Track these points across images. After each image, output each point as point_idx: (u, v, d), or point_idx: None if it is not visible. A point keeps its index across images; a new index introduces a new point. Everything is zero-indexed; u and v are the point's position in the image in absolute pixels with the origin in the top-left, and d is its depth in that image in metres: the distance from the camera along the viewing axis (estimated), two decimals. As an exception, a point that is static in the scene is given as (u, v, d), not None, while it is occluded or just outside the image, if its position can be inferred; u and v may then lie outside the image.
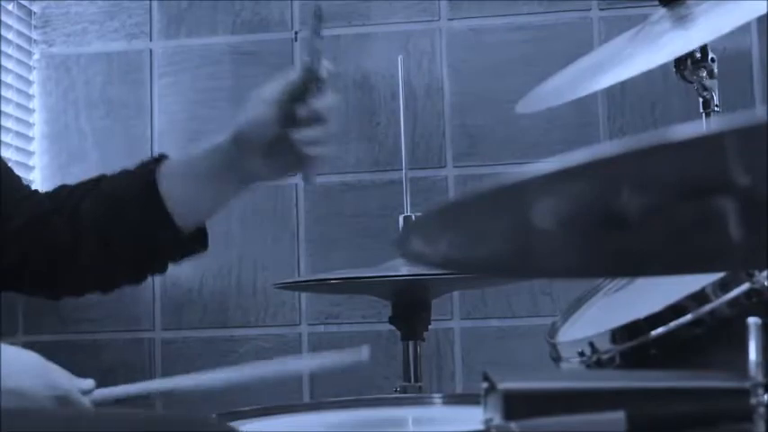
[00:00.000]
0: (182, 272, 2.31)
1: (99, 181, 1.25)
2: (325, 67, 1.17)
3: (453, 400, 1.30)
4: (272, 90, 1.16)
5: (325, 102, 1.16)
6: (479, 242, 0.71)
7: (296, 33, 2.36)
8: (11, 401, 0.95)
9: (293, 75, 1.17)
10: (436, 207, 0.59)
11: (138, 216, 1.19)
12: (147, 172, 1.21)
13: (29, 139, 2.37)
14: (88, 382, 1.04)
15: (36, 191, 1.29)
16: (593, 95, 2.24)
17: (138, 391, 1.08)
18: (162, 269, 1.28)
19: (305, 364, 1.18)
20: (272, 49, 2.36)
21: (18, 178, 1.28)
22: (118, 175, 1.26)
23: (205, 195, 1.22)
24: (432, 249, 0.69)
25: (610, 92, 2.23)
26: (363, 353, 1.10)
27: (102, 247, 1.20)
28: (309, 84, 1.16)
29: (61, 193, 1.26)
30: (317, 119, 1.15)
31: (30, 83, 2.40)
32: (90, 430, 0.90)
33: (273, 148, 1.17)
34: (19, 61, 2.36)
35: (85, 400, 1.03)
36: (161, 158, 1.23)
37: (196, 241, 1.25)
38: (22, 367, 1.00)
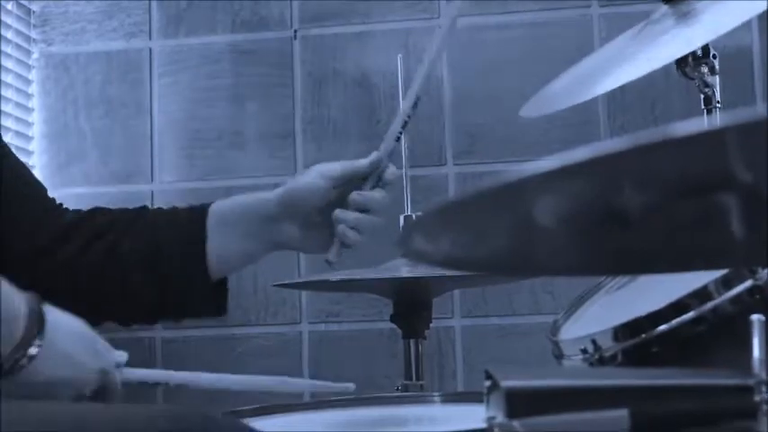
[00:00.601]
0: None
1: (137, 219, 1.22)
2: (392, 171, 1.20)
3: (455, 398, 1.29)
4: (335, 167, 1.18)
5: (379, 196, 1.18)
6: (481, 241, 0.71)
7: (295, 32, 2.35)
8: (58, 366, 0.95)
9: (362, 163, 1.18)
10: (437, 206, 0.59)
11: (178, 265, 1.18)
12: (196, 220, 1.19)
13: (28, 138, 2.37)
14: (122, 354, 1.05)
15: (60, 205, 1.26)
16: (594, 93, 2.24)
17: (161, 378, 1.09)
18: (177, 318, 1.28)
19: (299, 384, 1.20)
20: (272, 48, 2.36)
21: (45, 190, 1.26)
22: (164, 213, 1.23)
23: (239, 251, 1.21)
24: (433, 248, 0.69)
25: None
26: (349, 388, 1.16)
27: (126, 289, 1.18)
28: (372, 175, 1.19)
29: (95, 217, 1.22)
30: (365, 209, 1.17)
31: (29, 82, 2.39)
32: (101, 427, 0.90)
33: (314, 220, 1.18)
34: (18, 60, 2.36)
35: (118, 377, 1.03)
36: (208, 206, 1.21)
37: (218, 299, 1.24)
38: (71, 333, 0.99)
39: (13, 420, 0.86)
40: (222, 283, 1.24)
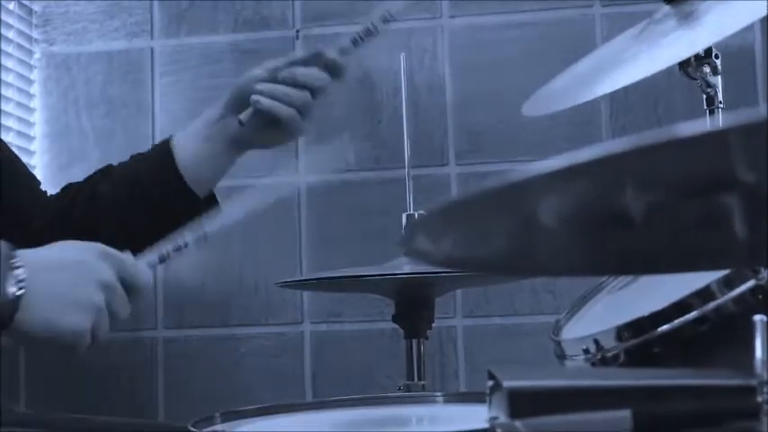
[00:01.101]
0: (184, 271, 2.31)
1: (108, 169, 1.32)
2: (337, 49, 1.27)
3: (457, 398, 1.29)
4: (274, 60, 1.27)
5: (313, 72, 1.25)
6: (483, 240, 0.71)
7: (297, 32, 2.35)
8: (52, 305, 0.95)
9: (298, 53, 1.26)
10: (440, 205, 0.59)
11: (157, 189, 1.27)
12: (162, 147, 1.28)
13: (30, 138, 2.37)
14: (126, 255, 1.06)
15: (45, 192, 1.33)
16: (596, 92, 2.23)
17: (175, 245, 1.12)
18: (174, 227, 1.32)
19: None
20: (274, 47, 2.36)
21: (37, 181, 1.32)
22: (129, 159, 1.33)
23: (211, 161, 1.30)
24: (436, 248, 0.69)
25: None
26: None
27: (122, 225, 1.23)
28: (309, 62, 1.23)
29: (70, 189, 1.30)
30: (295, 84, 1.24)
31: (30, 82, 2.39)
32: None
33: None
34: (20, 60, 2.36)
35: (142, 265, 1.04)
36: (169, 138, 1.31)
37: (209, 204, 1.31)
38: (60, 266, 1.00)
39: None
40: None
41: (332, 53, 1.24)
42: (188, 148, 1.28)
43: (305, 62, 1.24)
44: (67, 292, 0.95)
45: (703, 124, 0.46)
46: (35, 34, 2.41)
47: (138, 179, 1.28)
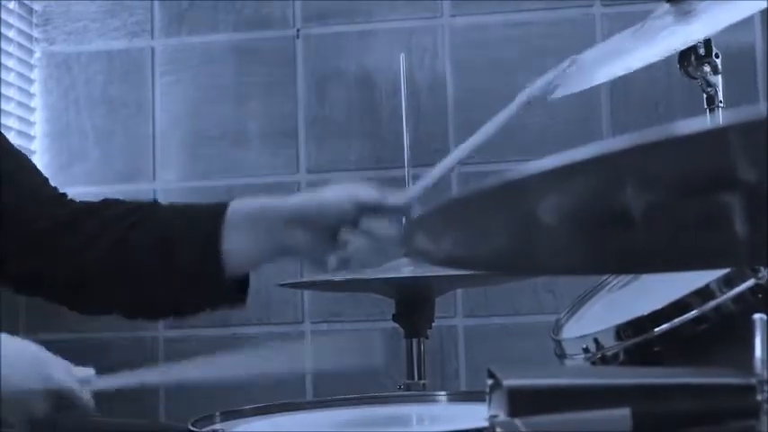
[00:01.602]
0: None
1: (155, 209, 1.22)
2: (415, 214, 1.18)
3: (457, 397, 1.29)
4: (366, 195, 1.16)
5: (393, 232, 1.16)
6: (483, 239, 0.71)
7: (297, 31, 2.35)
8: (7, 394, 0.95)
9: (393, 202, 1.16)
10: (439, 204, 0.59)
11: (194, 259, 1.16)
12: (213, 216, 1.17)
13: (30, 137, 2.37)
14: (87, 371, 1.04)
15: (64, 194, 1.25)
16: (597, 91, 2.23)
17: (138, 382, 1.07)
18: (193, 313, 1.26)
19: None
20: (274, 46, 2.36)
21: (45, 180, 1.26)
22: (179, 207, 1.22)
23: (250, 251, 1.19)
24: (435, 247, 0.69)
25: (613, 88, 2.23)
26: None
27: (137, 279, 1.17)
28: (389, 214, 1.17)
29: (107, 209, 1.21)
30: (372, 236, 1.16)
31: (31, 81, 2.40)
32: None
33: (325, 233, 1.17)
34: (20, 59, 2.36)
35: (85, 393, 1.02)
36: (227, 203, 1.19)
37: (237, 293, 1.23)
38: (17, 358, 0.99)
39: None
40: (239, 279, 1.22)
41: (411, 216, 1.19)
42: (238, 237, 1.17)
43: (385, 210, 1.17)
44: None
45: (701, 122, 0.46)
46: (36, 33, 2.41)
47: (178, 243, 1.17)
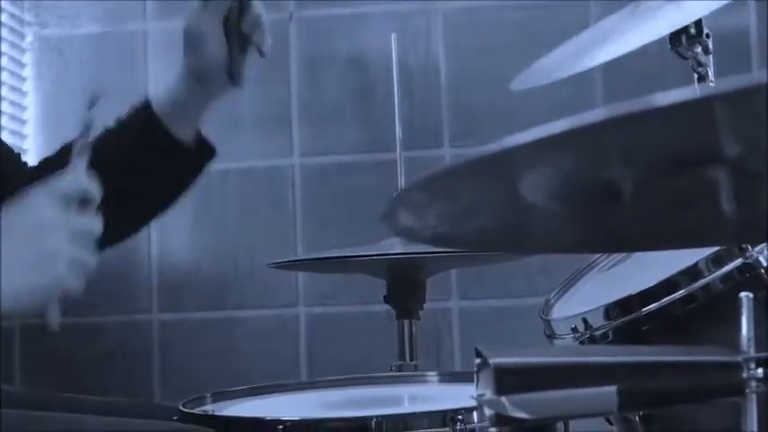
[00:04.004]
0: (179, 254, 2.31)
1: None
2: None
3: (448, 377, 1.30)
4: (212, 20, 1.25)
5: (251, 19, 1.29)
6: (469, 216, 0.71)
7: (291, 14, 2.34)
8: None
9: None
10: (421, 179, 0.59)
11: (142, 145, 1.26)
12: (140, 107, 1.29)
13: (22, 121, 2.37)
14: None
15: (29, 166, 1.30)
16: (591, 76, 2.23)
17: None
18: (183, 190, 1.32)
19: None
20: (267, 28, 2.35)
21: (23, 163, 1.29)
22: (105, 129, 1.31)
23: (189, 105, 1.29)
24: (420, 224, 0.69)
25: (607, 72, 2.22)
26: None
27: (117, 193, 1.19)
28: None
29: (50, 161, 1.27)
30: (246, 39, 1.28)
31: (23, 65, 2.38)
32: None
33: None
34: (12, 43, 2.35)
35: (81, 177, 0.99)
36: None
37: (203, 151, 1.30)
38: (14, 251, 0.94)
39: (14, 430, 0.86)
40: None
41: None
42: (160, 99, 1.30)
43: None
44: (12, 258, 0.87)
45: (681, 93, 0.46)
46: (27, 17, 2.40)
47: (123, 139, 1.28)
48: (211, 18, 1.24)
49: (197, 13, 1.25)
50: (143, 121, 1.28)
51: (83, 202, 0.95)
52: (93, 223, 0.95)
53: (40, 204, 0.92)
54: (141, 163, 1.26)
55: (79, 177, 0.96)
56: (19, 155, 1.31)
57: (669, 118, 0.50)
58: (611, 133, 0.52)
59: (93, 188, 0.97)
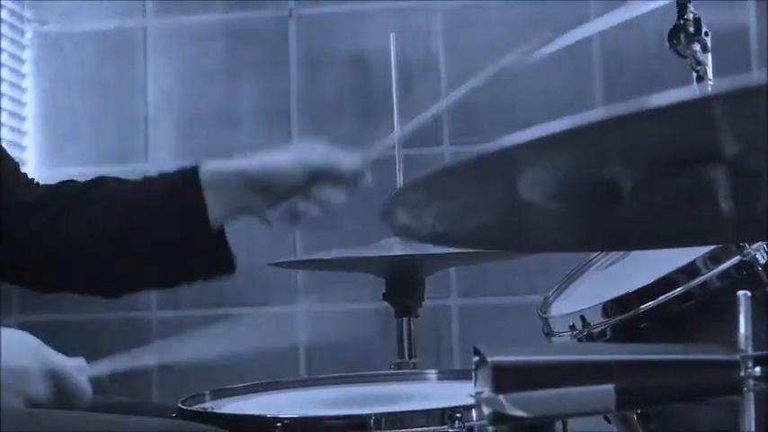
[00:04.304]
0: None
1: (122, 185, 1.22)
2: (366, 180, 1.24)
3: (447, 375, 1.30)
4: (316, 159, 1.19)
5: (338, 197, 1.22)
6: (467, 215, 0.71)
7: (290, 11, 2.34)
8: (8, 380, 0.96)
9: (344, 166, 1.20)
10: (420, 178, 0.59)
11: (179, 219, 1.18)
12: (191, 184, 1.19)
13: (22, 118, 2.37)
14: (79, 361, 1.04)
15: (33, 180, 1.25)
16: (590, 72, 2.23)
17: (131, 365, 1.07)
18: (186, 282, 1.27)
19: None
20: (267, 26, 2.35)
21: (16, 165, 1.25)
22: (153, 179, 1.23)
23: (215, 215, 1.21)
24: (418, 222, 0.69)
25: (606, 70, 2.22)
26: None
27: (128, 250, 1.17)
28: (343, 179, 1.21)
29: (66, 188, 1.21)
30: (321, 203, 1.21)
31: (22, 62, 2.38)
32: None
33: (276, 198, 1.21)
34: (12, 40, 2.35)
35: (82, 378, 1.03)
36: (197, 170, 1.21)
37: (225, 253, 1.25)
38: (18, 345, 0.99)
39: (14, 426, 0.86)
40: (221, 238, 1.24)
41: (363, 184, 1.24)
42: (211, 191, 1.19)
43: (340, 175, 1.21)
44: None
45: (678, 94, 0.46)
46: (27, 13, 2.40)
47: (157, 202, 1.18)
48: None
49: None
50: (185, 184, 1.19)
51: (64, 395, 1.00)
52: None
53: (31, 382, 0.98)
54: (161, 229, 1.18)
55: (83, 386, 1.02)
56: (18, 164, 1.27)
57: (667, 118, 0.50)
58: (610, 133, 0.52)
59: (83, 400, 1.01)
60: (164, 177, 1.22)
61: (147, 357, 1.11)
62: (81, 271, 1.20)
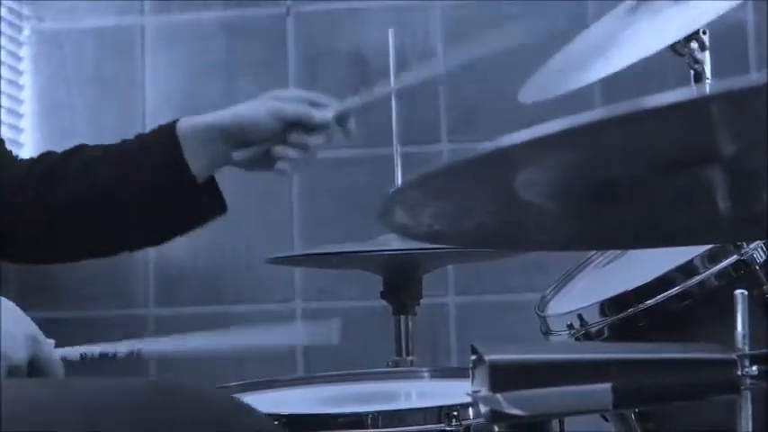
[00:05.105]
0: (175, 248, 2.31)
1: (106, 149, 1.25)
2: (351, 127, 1.25)
3: (444, 373, 1.30)
4: (288, 110, 1.21)
5: (321, 141, 1.23)
6: (464, 214, 0.71)
7: (288, 8, 2.34)
8: None
9: (317, 116, 1.21)
10: (416, 178, 0.59)
11: (163, 176, 1.20)
12: (168, 132, 1.22)
13: (19, 115, 2.36)
14: (49, 341, 1.04)
15: (17, 156, 1.25)
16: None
17: (103, 350, 1.07)
18: (182, 231, 1.28)
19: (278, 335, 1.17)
20: (265, 23, 2.35)
21: (1, 142, 1.26)
22: (123, 142, 1.26)
23: (197, 166, 1.22)
24: (416, 221, 0.69)
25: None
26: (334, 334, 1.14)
27: (116, 210, 1.19)
28: (319, 128, 1.22)
29: (45, 158, 1.23)
30: (302, 148, 1.21)
31: (20, 59, 2.38)
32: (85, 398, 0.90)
33: (255, 144, 1.23)
34: (10, 37, 2.34)
35: (52, 349, 1.02)
36: (174, 127, 1.23)
37: (212, 201, 1.27)
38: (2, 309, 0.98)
39: None
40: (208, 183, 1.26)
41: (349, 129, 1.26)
42: (189, 145, 1.22)
43: (316, 120, 1.22)
44: None
45: (676, 94, 0.46)
46: (25, 10, 2.40)
47: (137, 161, 1.21)
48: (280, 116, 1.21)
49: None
50: (163, 142, 1.22)
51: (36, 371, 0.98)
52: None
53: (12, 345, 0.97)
54: (145, 186, 1.20)
55: (57, 364, 1.01)
56: (11, 152, 1.28)
57: (665, 118, 0.50)
58: (608, 133, 0.52)
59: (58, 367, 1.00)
60: (142, 137, 1.24)
61: (118, 345, 1.10)
62: (71, 238, 1.21)
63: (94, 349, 1.06)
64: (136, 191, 1.20)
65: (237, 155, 1.23)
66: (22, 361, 0.96)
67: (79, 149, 1.25)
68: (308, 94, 1.25)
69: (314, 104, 1.23)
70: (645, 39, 1.22)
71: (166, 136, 1.21)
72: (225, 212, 1.29)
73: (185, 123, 1.22)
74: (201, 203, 1.25)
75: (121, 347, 1.06)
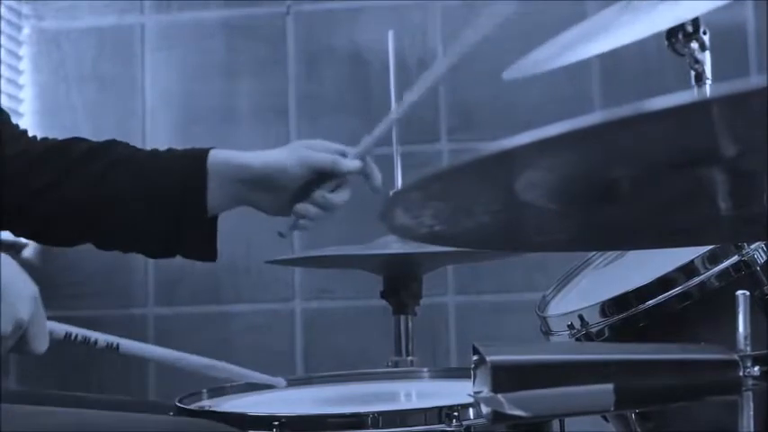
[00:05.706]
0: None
1: (131, 150, 1.23)
2: (376, 182, 1.26)
3: (444, 373, 1.30)
4: (317, 160, 1.21)
5: (341, 200, 1.24)
6: (465, 216, 0.71)
7: (288, 8, 2.34)
8: (7, 300, 0.93)
9: (345, 166, 1.21)
10: (419, 179, 0.59)
11: (178, 200, 1.20)
12: (196, 171, 1.21)
13: (19, 114, 2.36)
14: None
15: (26, 132, 1.24)
16: (588, 71, 2.23)
17: (86, 335, 1.07)
18: (165, 256, 1.27)
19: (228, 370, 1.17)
20: (265, 23, 2.35)
21: (7, 116, 1.25)
22: (160, 154, 1.24)
23: (217, 205, 1.23)
24: (416, 223, 0.69)
25: (604, 67, 2.22)
26: (280, 383, 1.15)
27: (126, 216, 1.18)
28: (344, 179, 1.23)
29: (73, 147, 1.20)
30: (325, 207, 1.23)
31: (20, 58, 2.38)
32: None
33: (279, 192, 1.23)
34: (9, 36, 2.34)
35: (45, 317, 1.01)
36: (205, 156, 1.23)
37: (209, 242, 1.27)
38: (8, 267, 0.97)
39: (14, 425, 0.86)
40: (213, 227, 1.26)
41: (375, 184, 1.26)
42: (217, 174, 1.21)
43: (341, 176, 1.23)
44: None
45: (677, 98, 0.46)
46: (25, 9, 2.40)
47: (160, 182, 1.19)
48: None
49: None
50: (191, 167, 1.21)
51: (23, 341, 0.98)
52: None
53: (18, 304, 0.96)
54: (158, 202, 1.20)
55: (43, 337, 1.00)
56: (9, 115, 1.26)
57: (666, 121, 0.50)
58: (609, 135, 0.52)
59: (37, 349, 0.99)
60: (173, 156, 1.23)
61: (99, 336, 1.09)
62: (77, 228, 1.20)
63: (78, 332, 1.06)
64: (148, 208, 1.19)
65: (259, 197, 1.23)
66: (24, 321, 0.95)
67: (109, 147, 1.22)
68: (336, 145, 1.25)
69: (342, 155, 1.23)
70: (635, 26, 1.22)
71: (197, 163, 1.20)
72: (214, 260, 1.29)
73: (219, 157, 1.21)
74: (199, 240, 1.25)
75: (102, 338, 1.06)
